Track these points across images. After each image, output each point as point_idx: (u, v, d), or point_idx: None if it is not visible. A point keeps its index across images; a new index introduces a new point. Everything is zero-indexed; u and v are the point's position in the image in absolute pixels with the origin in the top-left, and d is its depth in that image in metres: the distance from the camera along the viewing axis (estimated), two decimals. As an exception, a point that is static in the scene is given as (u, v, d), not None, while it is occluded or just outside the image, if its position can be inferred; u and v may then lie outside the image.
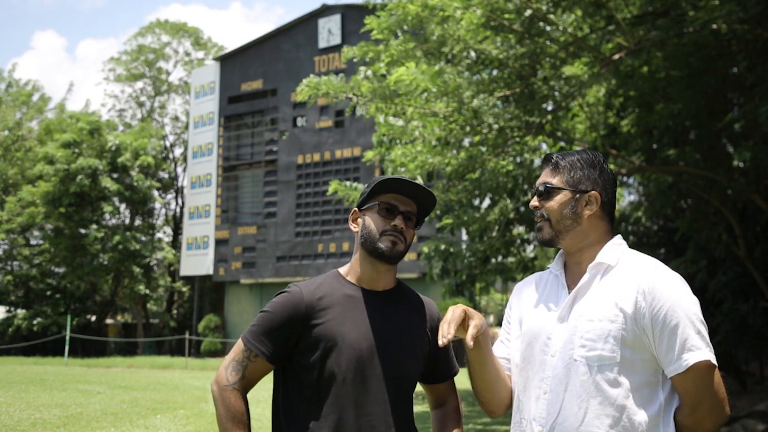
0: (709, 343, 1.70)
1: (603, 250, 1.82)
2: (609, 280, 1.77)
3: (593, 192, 1.84)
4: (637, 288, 1.71)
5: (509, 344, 1.98)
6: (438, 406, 2.10)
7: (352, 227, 2.04)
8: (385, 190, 1.97)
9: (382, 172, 10.06)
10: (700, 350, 1.66)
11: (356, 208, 2.04)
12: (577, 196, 1.83)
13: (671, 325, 1.66)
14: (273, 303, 1.95)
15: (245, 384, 1.92)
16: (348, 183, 9.51)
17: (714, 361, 1.68)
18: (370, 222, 1.96)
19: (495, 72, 8.56)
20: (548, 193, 1.86)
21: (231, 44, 38.95)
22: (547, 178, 1.88)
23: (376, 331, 1.91)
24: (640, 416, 1.67)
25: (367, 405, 1.85)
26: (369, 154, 9.55)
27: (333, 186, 9.36)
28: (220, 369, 1.95)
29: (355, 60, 8.52)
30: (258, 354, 1.90)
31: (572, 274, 1.87)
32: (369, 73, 8.22)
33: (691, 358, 1.65)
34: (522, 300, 1.98)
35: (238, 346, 1.95)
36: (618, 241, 1.86)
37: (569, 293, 1.82)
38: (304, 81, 8.11)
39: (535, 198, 1.89)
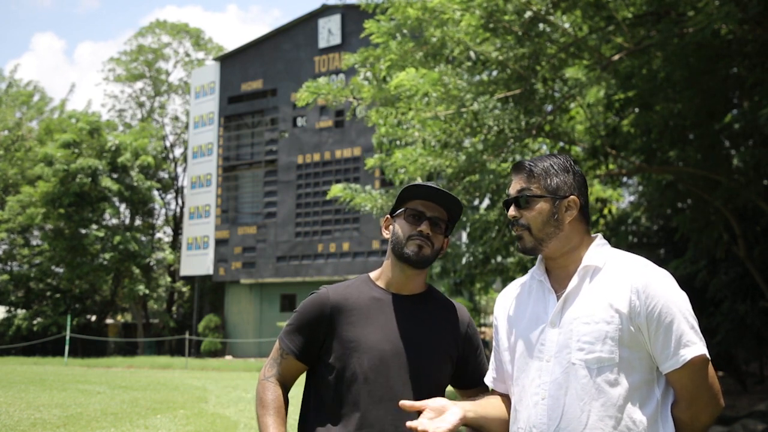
0: (702, 337, 1.71)
1: (588, 252, 1.81)
2: (599, 282, 1.76)
3: (572, 197, 1.82)
4: (630, 287, 1.71)
5: (500, 363, 1.97)
6: None
7: (384, 234, 2.09)
8: (413, 196, 2.01)
9: (382, 173, 10.06)
10: (695, 345, 1.67)
11: (389, 215, 2.10)
12: (557, 202, 1.81)
13: (666, 321, 1.67)
14: (302, 304, 2.04)
15: (281, 379, 2.03)
16: (348, 185, 9.49)
17: (708, 354, 1.69)
18: (398, 228, 2.01)
19: (495, 73, 8.57)
20: (527, 202, 1.83)
21: (227, 46, 38.84)
22: (523, 185, 1.85)
23: (400, 333, 1.95)
24: (641, 415, 1.68)
25: (391, 404, 1.87)
26: (370, 162, 9.56)
27: (333, 190, 9.35)
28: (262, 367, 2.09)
29: (356, 66, 8.53)
30: (288, 352, 2.01)
31: (557, 278, 1.85)
32: (369, 74, 8.23)
33: (687, 354, 1.66)
34: (507, 310, 1.96)
35: (275, 345, 2.08)
36: (600, 241, 1.85)
37: (557, 298, 1.81)
38: (304, 86, 8.11)
39: (513, 207, 1.85)
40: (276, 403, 1.97)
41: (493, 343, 2.02)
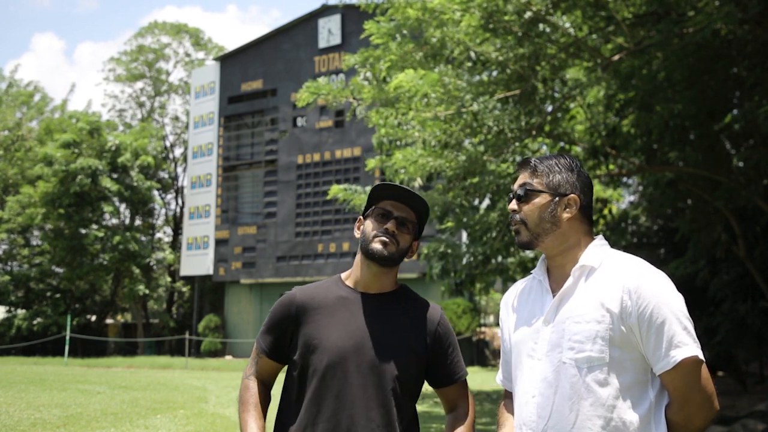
0: (696, 339, 1.70)
1: (586, 252, 1.82)
2: (594, 282, 1.77)
3: (572, 195, 1.84)
4: (622, 287, 1.71)
5: (507, 363, 2.00)
6: (450, 411, 2.15)
7: (356, 234, 2.14)
8: (382, 196, 2.07)
9: (383, 173, 10.07)
10: (687, 346, 1.66)
11: (361, 216, 2.15)
12: (556, 199, 1.83)
13: (657, 322, 1.67)
14: (274, 305, 2.12)
15: (259, 376, 2.12)
16: (349, 186, 9.51)
17: (701, 356, 1.68)
18: (367, 226, 2.07)
19: (495, 73, 8.57)
20: (527, 195, 1.86)
21: (226, 47, 38.80)
22: (526, 180, 1.89)
23: (362, 330, 1.99)
24: (632, 415, 1.67)
25: (349, 399, 1.94)
26: (371, 163, 9.56)
27: (333, 190, 9.37)
28: None
29: (356, 66, 8.53)
30: (261, 352, 2.10)
31: (556, 278, 1.87)
32: (369, 75, 8.24)
33: (678, 355, 1.65)
34: (509, 311, 1.99)
35: (254, 345, 2.17)
36: (599, 242, 1.86)
37: (553, 297, 1.82)
38: (304, 86, 8.12)
39: (513, 201, 1.89)
40: (253, 398, 2.07)
41: (502, 352, 2.04)
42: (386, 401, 1.96)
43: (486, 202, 10.47)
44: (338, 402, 1.93)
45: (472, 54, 7.87)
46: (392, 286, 2.11)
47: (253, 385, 2.09)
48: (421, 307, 2.10)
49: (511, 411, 1.95)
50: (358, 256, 2.10)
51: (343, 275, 2.14)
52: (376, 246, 2.00)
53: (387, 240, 2.00)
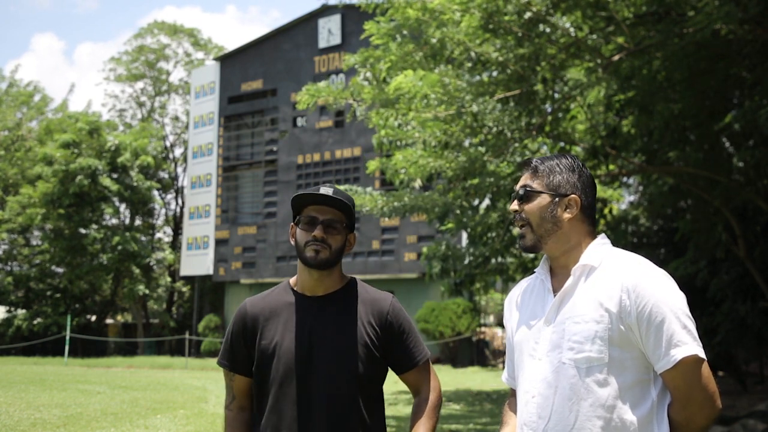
0: (697, 338, 1.69)
1: (586, 251, 1.82)
2: (593, 281, 1.77)
3: (573, 195, 1.84)
4: (620, 286, 1.71)
5: (511, 362, 2.01)
6: (415, 395, 2.20)
7: (291, 241, 2.19)
8: (305, 204, 2.11)
9: (383, 174, 10.09)
10: (687, 345, 1.65)
11: (293, 224, 2.19)
12: (557, 199, 1.84)
13: (657, 321, 1.66)
14: (231, 320, 2.18)
15: (237, 404, 2.16)
16: (349, 187, 9.53)
17: (702, 355, 1.67)
18: (298, 235, 2.11)
19: (495, 74, 8.58)
20: (528, 196, 1.87)
21: (225, 47, 38.75)
22: (527, 181, 1.90)
23: (311, 334, 2.06)
24: (632, 415, 1.67)
25: (306, 402, 2.01)
26: (371, 165, 9.56)
27: None
28: None
29: (356, 67, 8.54)
30: (230, 370, 2.15)
31: (558, 278, 1.87)
32: (369, 75, 8.24)
33: (678, 354, 1.65)
34: (512, 310, 2.00)
35: (223, 371, 2.21)
36: (601, 241, 1.86)
37: (555, 297, 1.82)
38: (304, 89, 8.13)
39: (515, 202, 1.90)
40: None
41: (507, 351, 2.05)
42: (341, 400, 2.02)
43: (486, 202, 10.48)
44: (296, 407, 2.00)
45: (472, 54, 7.87)
46: (338, 283, 2.15)
47: (233, 416, 2.14)
48: (370, 299, 2.14)
49: (514, 410, 1.96)
50: (298, 263, 2.13)
51: (292, 281, 2.19)
52: (310, 254, 2.05)
53: (318, 247, 2.05)
